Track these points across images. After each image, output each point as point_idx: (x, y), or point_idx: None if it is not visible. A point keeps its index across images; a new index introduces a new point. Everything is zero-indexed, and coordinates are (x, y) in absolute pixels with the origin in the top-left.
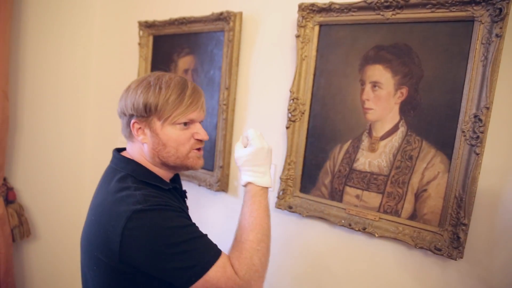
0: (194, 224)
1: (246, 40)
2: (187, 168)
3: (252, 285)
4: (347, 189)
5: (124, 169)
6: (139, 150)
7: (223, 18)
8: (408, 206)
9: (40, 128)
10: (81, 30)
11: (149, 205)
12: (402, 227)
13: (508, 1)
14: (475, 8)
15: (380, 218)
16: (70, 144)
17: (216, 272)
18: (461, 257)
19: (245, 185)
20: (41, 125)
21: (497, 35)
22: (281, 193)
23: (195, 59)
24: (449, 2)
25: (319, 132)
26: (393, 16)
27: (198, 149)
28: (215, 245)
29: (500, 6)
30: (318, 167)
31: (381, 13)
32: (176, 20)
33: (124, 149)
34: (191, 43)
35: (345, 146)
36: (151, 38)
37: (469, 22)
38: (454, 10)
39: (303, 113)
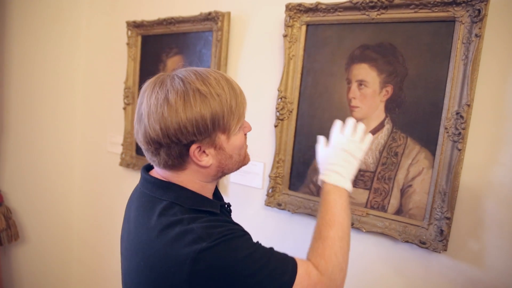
0: (258, 243)
1: (234, 40)
2: (242, 167)
3: (338, 284)
4: None
5: (165, 197)
6: (191, 175)
7: (211, 18)
8: (394, 202)
9: (27, 130)
10: (68, 30)
11: (214, 239)
12: (389, 222)
13: (486, 3)
14: (455, 9)
15: (367, 213)
16: (58, 146)
17: (301, 283)
18: (445, 250)
19: (321, 184)
20: (28, 127)
21: (476, 35)
22: (270, 190)
23: (183, 59)
24: (431, 2)
25: (307, 130)
26: (378, 16)
27: None
28: (286, 255)
29: (478, 7)
30: (307, 165)
31: (367, 13)
32: (164, 20)
33: (151, 166)
34: (180, 43)
35: None
36: (139, 38)
37: (451, 22)
38: (436, 10)
39: (291, 111)
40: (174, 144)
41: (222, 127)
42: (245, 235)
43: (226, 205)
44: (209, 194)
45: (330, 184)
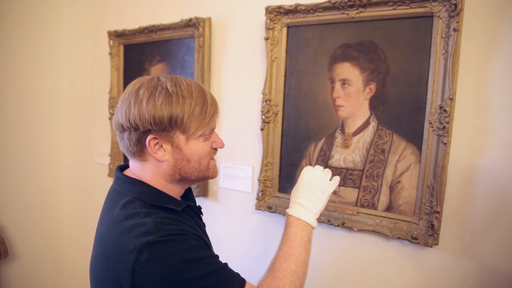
0: (213, 254)
1: (216, 45)
2: (207, 179)
3: None
4: None
5: (130, 192)
6: (152, 169)
7: (192, 24)
8: (383, 199)
9: (12, 144)
10: (50, 42)
11: (162, 235)
12: (380, 219)
13: None
14: (433, 4)
15: (358, 212)
16: (45, 160)
17: None
18: (437, 244)
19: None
20: (13, 141)
21: (454, 29)
22: (260, 194)
23: (166, 66)
24: None
25: (293, 131)
26: (357, 15)
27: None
28: (237, 275)
29: (455, 2)
30: (295, 166)
31: (346, 12)
32: (145, 28)
33: (126, 166)
34: (162, 50)
35: (320, 144)
36: (121, 48)
37: (429, 17)
38: (414, 6)
39: (276, 114)
40: (134, 130)
41: (182, 128)
42: (198, 241)
43: (194, 207)
44: (174, 195)
45: (293, 217)
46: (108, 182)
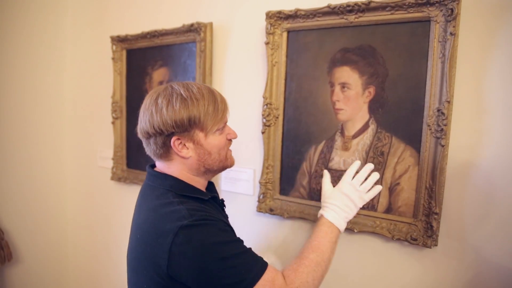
0: (239, 238)
1: (217, 49)
2: (226, 168)
3: None
4: None
5: (162, 185)
6: (178, 166)
7: (194, 29)
8: (383, 200)
9: (16, 148)
10: (54, 47)
11: (195, 219)
12: (379, 221)
13: (458, 2)
14: (430, 9)
15: (358, 214)
16: (48, 164)
17: (264, 286)
18: (436, 245)
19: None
20: (16, 145)
21: (451, 33)
22: (261, 196)
23: (169, 71)
24: (406, 4)
25: (293, 135)
26: (356, 20)
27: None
28: (261, 258)
29: (451, 7)
30: (295, 169)
31: (345, 17)
32: (148, 33)
33: (155, 165)
34: (164, 55)
35: (320, 147)
36: (124, 52)
37: (426, 22)
38: (412, 11)
39: (277, 117)
40: (159, 135)
41: (200, 126)
42: (227, 227)
43: (219, 199)
44: (200, 186)
45: (326, 219)
46: (111, 186)
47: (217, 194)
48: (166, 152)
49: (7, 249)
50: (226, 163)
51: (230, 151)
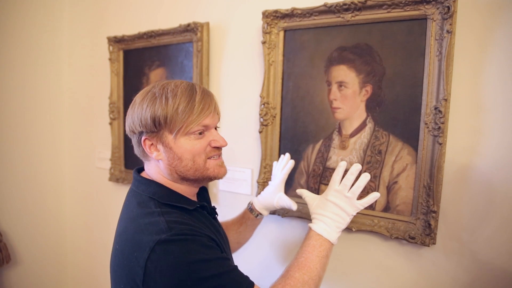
0: (224, 256)
1: (214, 49)
2: (210, 179)
3: None
4: (323, 187)
5: (145, 192)
6: (156, 169)
7: (191, 29)
8: (381, 199)
9: (13, 149)
10: (50, 47)
11: (174, 234)
12: (378, 220)
13: (455, 0)
14: (426, 7)
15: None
16: (46, 164)
17: None
18: (434, 243)
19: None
20: (14, 146)
21: (448, 31)
22: None
23: (166, 71)
24: (403, 2)
25: (291, 134)
26: (353, 18)
27: (218, 156)
28: (246, 278)
29: (448, 5)
30: (293, 168)
31: (341, 15)
32: (144, 33)
33: (143, 168)
34: (161, 55)
35: (317, 146)
36: (121, 53)
37: (423, 20)
38: (408, 9)
39: (274, 116)
40: (133, 133)
41: (168, 127)
42: (209, 242)
43: (208, 207)
44: (186, 193)
45: (313, 231)
46: (109, 187)
47: (208, 201)
48: (143, 151)
49: (5, 251)
50: (205, 173)
51: (216, 160)
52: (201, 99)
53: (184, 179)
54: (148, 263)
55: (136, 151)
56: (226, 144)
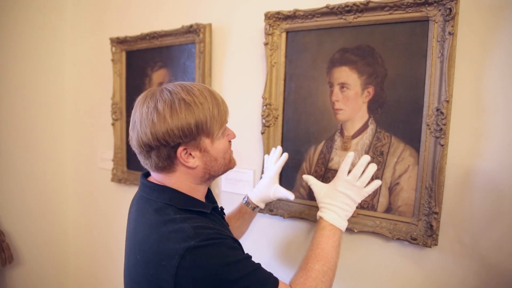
0: (248, 255)
1: (217, 50)
2: (229, 170)
3: None
4: None
5: (159, 198)
6: (180, 177)
7: (193, 30)
8: (383, 200)
9: (16, 150)
10: (52, 48)
11: (202, 239)
12: (379, 221)
13: (456, 1)
14: (428, 8)
15: (358, 214)
16: (48, 166)
17: None
18: (436, 244)
19: (318, 219)
20: (17, 146)
21: (449, 33)
22: None
23: (168, 72)
24: (405, 3)
25: (293, 135)
26: (355, 20)
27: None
28: (271, 274)
29: (449, 7)
30: (295, 169)
31: (343, 17)
32: (147, 34)
33: (149, 173)
34: (164, 56)
35: (319, 147)
36: (124, 54)
37: (425, 21)
38: (410, 11)
39: (276, 118)
40: (163, 147)
41: (206, 132)
42: (234, 243)
43: (219, 208)
44: (200, 196)
45: (326, 221)
46: (111, 187)
47: (216, 202)
48: (169, 164)
49: (8, 251)
50: (229, 166)
51: (232, 152)
52: (222, 100)
53: (211, 177)
54: (179, 270)
55: (158, 164)
56: (236, 136)
